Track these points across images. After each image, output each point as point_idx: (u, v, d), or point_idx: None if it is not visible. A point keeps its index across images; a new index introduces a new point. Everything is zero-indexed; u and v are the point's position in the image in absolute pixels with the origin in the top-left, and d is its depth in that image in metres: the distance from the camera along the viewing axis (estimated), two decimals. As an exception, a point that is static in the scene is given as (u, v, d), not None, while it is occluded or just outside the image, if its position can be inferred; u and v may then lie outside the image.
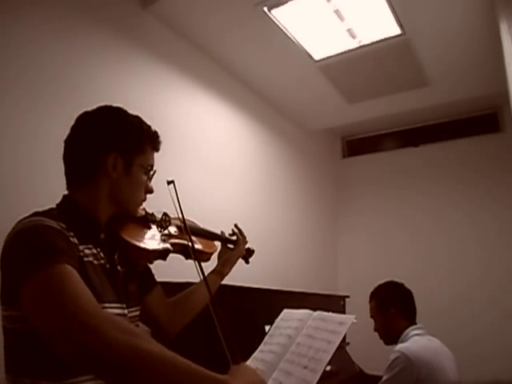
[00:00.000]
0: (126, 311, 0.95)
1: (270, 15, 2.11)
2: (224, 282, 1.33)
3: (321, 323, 1.27)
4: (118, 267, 0.98)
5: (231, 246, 1.37)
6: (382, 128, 3.75)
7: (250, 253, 1.45)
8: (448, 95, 2.93)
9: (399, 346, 1.70)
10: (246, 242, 1.40)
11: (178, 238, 1.14)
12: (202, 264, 1.02)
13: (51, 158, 1.56)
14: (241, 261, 1.41)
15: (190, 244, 1.06)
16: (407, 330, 1.80)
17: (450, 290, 3.15)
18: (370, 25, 2.19)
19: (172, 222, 1.14)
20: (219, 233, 1.37)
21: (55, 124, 1.62)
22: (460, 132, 3.42)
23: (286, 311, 1.48)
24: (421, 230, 3.45)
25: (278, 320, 1.46)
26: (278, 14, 2.11)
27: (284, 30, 2.23)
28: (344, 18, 2.14)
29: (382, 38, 2.27)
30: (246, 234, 1.41)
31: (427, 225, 3.43)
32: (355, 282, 3.48)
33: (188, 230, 1.08)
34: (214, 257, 1.31)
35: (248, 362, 1.31)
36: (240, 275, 1.40)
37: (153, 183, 1.05)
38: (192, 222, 1.27)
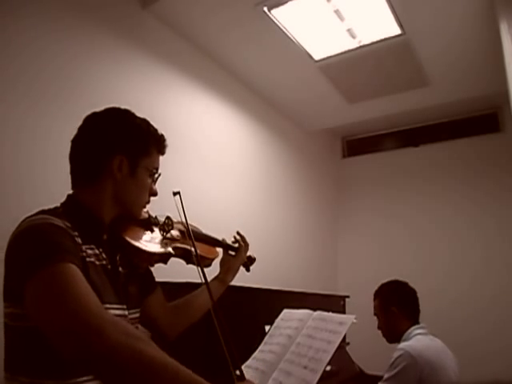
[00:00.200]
0: (126, 312, 0.95)
1: (270, 15, 2.11)
2: (224, 281, 1.32)
3: (321, 323, 1.27)
4: (120, 268, 0.99)
5: (233, 252, 1.36)
6: (382, 128, 3.75)
7: (251, 261, 1.44)
8: (448, 95, 2.93)
9: (402, 345, 1.71)
10: (248, 250, 1.39)
11: (180, 243, 1.14)
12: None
13: (51, 158, 1.57)
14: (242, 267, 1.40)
15: (193, 250, 1.06)
16: (410, 330, 1.80)
17: (450, 290, 3.15)
18: (369, 25, 2.19)
19: (175, 226, 1.14)
20: (221, 239, 1.36)
21: (55, 124, 1.62)
22: (460, 132, 3.41)
23: (285, 311, 1.48)
24: (421, 229, 3.45)
25: (277, 320, 1.46)
26: (278, 14, 2.11)
27: (284, 30, 2.23)
28: (344, 18, 2.14)
29: (382, 38, 2.27)
30: (246, 234, 1.40)
31: (427, 225, 3.43)
32: (355, 282, 3.49)
33: (192, 235, 1.07)
34: (215, 263, 1.31)
35: (248, 362, 1.31)
36: (240, 275, 1.39)
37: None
38: (195, 227, 1.27)
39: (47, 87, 1.64)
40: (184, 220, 1.08)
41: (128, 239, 1.00)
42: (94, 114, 1.00)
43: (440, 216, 3.38)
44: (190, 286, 1.34)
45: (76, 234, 0.85)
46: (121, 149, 0.96)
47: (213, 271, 1.29)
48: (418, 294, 1.94)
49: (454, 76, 2.67)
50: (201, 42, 2.38)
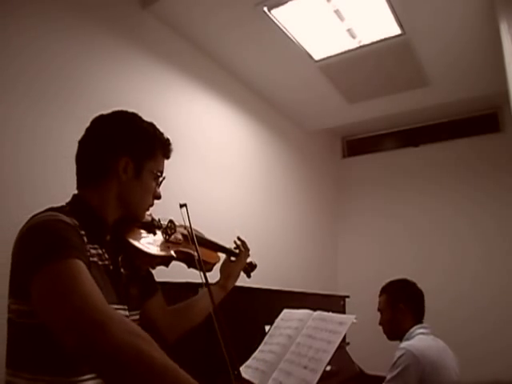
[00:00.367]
0: (127, 313, 0.95)
1: (270, 15, 2.11)
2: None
3: (321, 323, 1.27)
4: (122, 269, 0.99)
5: (234, 258, 1.36)
6: (382, 128, 3.75)
7: (252, 267, 1.44)
8: (448, 95, 2.93)
9: (404, 344, 1.71)
10: (249, 255, 1.39)
11: (183, 247, 1.14)
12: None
13: (51, 158, 1.57)
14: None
15: (195, 254, 1.07)
16: (412, 329, 1.81)
17: (450, 290, 3.15)
18: (369, 25, 2.19)
19: (177, 229, 1.15)
20: (223, 244, 1.36)
21: (55, 124, 1.62)
22: (460, 132, 3.41)
23: (285, 311, 1.48)
24: (421, 229, 3.45)
25: (277, 320, 1.46)
26: (278, 14, 2.11)
27: (284, 30, 2.23)
28: (344, 18, 2.14)
29: (382, 37, 2.27)
30: (245, 234, 1.41)
31: (427, 225, 3.43)
32: (355, 282, 3.49)
33: (195, 241, 1.08)
34: (215, 268, 1.31)
35: (248, 362, 1.31)
36: (240, 275, 1.39)
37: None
38: (197, 232, 1.27)
39: (47, 87, 1.64)
40: (191, 231, 1.09)
41: (130, 241, 1.00)
42: (102, 116, 1.01)
43: (440, 216, 3.38)
44: (189, 286, 1.35)
45: (83, 232, 0.85)
46: (127, 151, 0.97)
47: (213, 276, 1.28)
48: (418, 294, 1.94)
49: (454, 76, 2.67)
50: (201, 42, 2.38)
